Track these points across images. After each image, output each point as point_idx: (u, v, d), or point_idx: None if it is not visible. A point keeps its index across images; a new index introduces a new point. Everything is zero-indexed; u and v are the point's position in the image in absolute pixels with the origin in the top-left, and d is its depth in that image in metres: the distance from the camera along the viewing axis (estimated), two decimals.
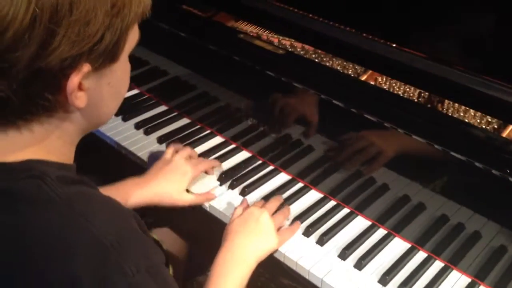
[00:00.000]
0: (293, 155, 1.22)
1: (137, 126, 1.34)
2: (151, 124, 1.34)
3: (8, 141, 0.68)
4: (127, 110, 1.37)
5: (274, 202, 1.07)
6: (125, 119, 1.36)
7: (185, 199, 1.10)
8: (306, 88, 1.13)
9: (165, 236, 1.19)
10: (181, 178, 1.10)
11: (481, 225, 1.00)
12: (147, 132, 1.32)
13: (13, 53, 0.60)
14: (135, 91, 1.47)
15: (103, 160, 1.38)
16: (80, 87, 0.66)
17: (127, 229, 0.69)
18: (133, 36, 0.71)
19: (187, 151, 1.17)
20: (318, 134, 1.18)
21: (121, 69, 0.71)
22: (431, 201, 1.05)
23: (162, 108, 1.41)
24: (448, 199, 1.02)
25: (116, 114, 1.36)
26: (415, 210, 1.07)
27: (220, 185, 1.18)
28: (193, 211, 1.13)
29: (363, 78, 1.12)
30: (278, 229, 1.04)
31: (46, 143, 0.70)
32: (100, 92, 0.70)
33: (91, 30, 0.63)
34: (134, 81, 1.48)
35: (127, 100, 1.40)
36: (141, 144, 1.29)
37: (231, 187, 1.17)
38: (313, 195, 1.17)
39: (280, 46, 1.22)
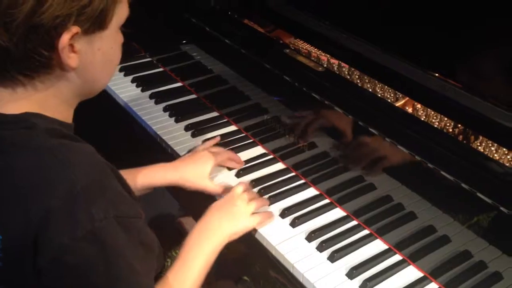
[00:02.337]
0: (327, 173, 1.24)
1: (187, 128, 1.42)
2: (200, 127, 1.42)
3: (7, 93, 0.80)
4: (181, 112, 1.46)
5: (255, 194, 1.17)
6: (177, 121, 1.44)
7: (205, 184, 1.19)
8: (342, 111, 1.15)
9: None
10: (203, 166, 1.20)
11: None
12: (194, 135, 1.40)
13: (14, 9, 0.72)
14: (193, 96, 1.56)
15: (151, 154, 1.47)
16: (72, 49, 0.77)
17: (101, 179, 0.78)
18: (122, 11, 0.82)
19: (211, 142, 1.30)
20: (355, 156, 1.19)
21: (112, 39, 0.82)
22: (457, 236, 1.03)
23: (214, 114, 1.49)
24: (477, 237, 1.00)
25: (170, 115, 1.46)
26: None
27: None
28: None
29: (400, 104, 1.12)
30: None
31: (42, 99, 0.81)
32: (91, 56, 0.80)
33: None
34: (195, 87, 1.58)
35: (182, 103, 1.51)
36: (186, 144, 1.37)
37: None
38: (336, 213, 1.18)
39: (326, 66, 1.25)
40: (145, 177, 1.16)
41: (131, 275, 0.79)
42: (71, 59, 0.78)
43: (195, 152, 1.26)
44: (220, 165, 1.27)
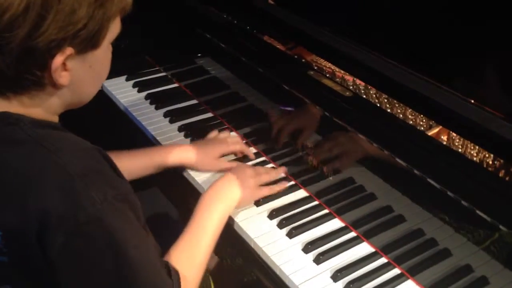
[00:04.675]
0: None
1: None
2: None
3: None
4: (196, 132, 1.39)
5: (270, 174, 1.21)
6: (192, 141, 1.37)
7: (215, 164, 1.25)
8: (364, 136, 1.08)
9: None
10: (206, 151, 1.25)
11: None
12: None
13: (9, 33, 0.72)
14: (209, 115, 1.49)
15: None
16: (64, 67, 0.78)
17: (93, 163, 0.78)
18: (115, 27, 0.82)
19: (225, 133, 1.33)
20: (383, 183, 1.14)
21: (102, 55, 0.83)
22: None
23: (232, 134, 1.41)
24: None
25: (185, 135, 1.38)
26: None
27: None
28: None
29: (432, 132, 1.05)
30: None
31: (30, 111, 0.81)
32: (82, 73, 0.81)
33: (76, 18, 0.74)
34: (210, 104, 1.51)
35: (198, 123, 1.44)
36: None
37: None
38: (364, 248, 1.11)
39: (351, 87, 1.18)
40: (160, 156, 1.21)
41: (139, 251, 0.80)
42: (63, 78, 0.79)
43: (206, 139, 1.31)
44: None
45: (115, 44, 1.64)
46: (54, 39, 0.74)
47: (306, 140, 1.26)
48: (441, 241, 1.07)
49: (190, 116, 1.47)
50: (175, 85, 1.61)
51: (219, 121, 1.46)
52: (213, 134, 1.33)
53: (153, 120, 1.45)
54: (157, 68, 1.68)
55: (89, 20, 0.76)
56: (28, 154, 0.77)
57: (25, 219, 0.74)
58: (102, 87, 1.59)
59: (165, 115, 1.47)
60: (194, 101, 1.54)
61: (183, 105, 1.52)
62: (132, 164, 1.18)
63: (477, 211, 0.92)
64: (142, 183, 1.22)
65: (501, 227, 0.90)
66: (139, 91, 1.56)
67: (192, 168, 1.24)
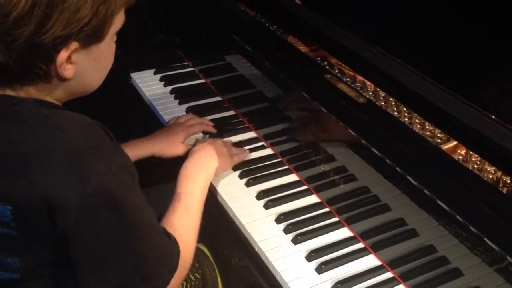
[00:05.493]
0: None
1: None
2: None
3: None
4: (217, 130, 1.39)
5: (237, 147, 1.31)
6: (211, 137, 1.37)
7: (178, 150, 1.30)
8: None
9: None
10: (171, 139, 1.31)
11: None
12: None
13: (16, 30, 0.74)
14: (231, 112, 1.48)
15: None
16: (69, 61, 0.80)
17: (96, 137, 0.81)
18: (119, 20, 0.84)
19: (184, 117, 1.39)
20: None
21: (107, 47, 0.86)
22: None
23: (250, 134, 1.40)
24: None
25: (204, 132, 1.38)
26: None
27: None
28: None
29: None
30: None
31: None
32: (87, 65, 0.84)
33: (81, 15, 0.77)
34: (233, 102, 1.50)
35: (218, 120, 1.43)
36: None
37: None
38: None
39: (370, 94, 1.14)
40: (132, 151, 1.22)
41: (144, 214, 0.85)
42: (68, 71, 0.81)
43: (167, 126, 1.38)
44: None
45: (146, 39, 1.66)
46: (59, 36, 0.76)
47: (324, 145, 1.23)
48: (453, 260, 1.02)
49: (211, 113, 1.47)
50: (202, 80, 1.62)
51: (240, 119, 1.45)
52: (172, 121, 1.40)
53: (174, 114, 1.45)
54: (187, 63, 1.68)
55: (93, 16, 0.78)
56: (33, 130, 0.79)
57: (33, 195, 0.76)
58: (130, 79, 1.61)
59: (187, 110, 1.47)
60: (218, 98, 1.54)
61: (206, 101, 1.52)
62: None
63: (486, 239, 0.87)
64: (151, 180, 1.23)
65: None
66: (165, 85, 1.57)
67: (162, 156, 1.31)
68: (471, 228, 0.90)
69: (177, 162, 1.18)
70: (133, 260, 0.84)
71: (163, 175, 1.25)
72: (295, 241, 1.09)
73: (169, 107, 1.49)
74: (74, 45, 0.79)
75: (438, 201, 0.95)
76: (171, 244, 0.91)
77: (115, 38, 0.88)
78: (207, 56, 1.67)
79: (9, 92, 0.83)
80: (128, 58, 1.64)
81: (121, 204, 0.81)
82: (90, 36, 0.80)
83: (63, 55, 0.78)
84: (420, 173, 0.99)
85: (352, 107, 1.09)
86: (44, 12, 0.74)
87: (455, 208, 0.93)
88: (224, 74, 1.60)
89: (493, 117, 0.95)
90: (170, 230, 0.95)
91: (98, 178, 0.77)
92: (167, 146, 1.30)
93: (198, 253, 1.29)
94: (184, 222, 1.02)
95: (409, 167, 1.00)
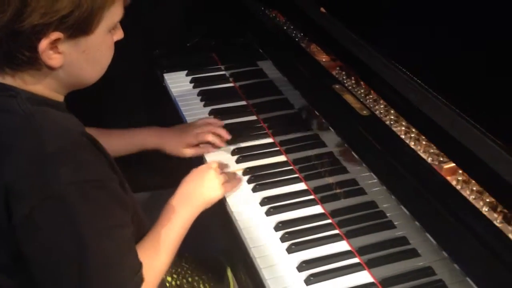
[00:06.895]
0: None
1: (233, 152, 1.36)
2: (246, 154, 1.35)
3: None
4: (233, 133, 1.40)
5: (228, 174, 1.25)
6: (228, 143, 1.38)
7: (179, 152, 1.33)
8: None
9: None
10: (181, 137, 1.34)
11: None
12: (238, 161, 1.33)
13: None
14: (253, 117, 1.49)
15: None
16: (56, 50, 0.82)
17: (72, 145, 0.82)
18: (112, 15, 0.85)
19: (201, 121, 1.39)
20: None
21: (99, 41, 0.86)
22: None
23: (267, 140, 1.41)
24: None
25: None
26: None
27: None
28: None
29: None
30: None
31: (31, 88, 0.87)
32: (76, 57, 0.85)
33: (59, 6, 0.78)
34: (257, 107, 1.51)
35: (237, 124, 1.45)
36: (227, 170, 1.31)
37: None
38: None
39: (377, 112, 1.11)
40: (140, 138, 1.32)
41: (105, 239, 0.82)
42: (54, 60, 0.83)
43: (185, 124, 1.41)
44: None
45: (183, 40, 1.69)
46: (37, 24, 0.78)
47: (338, 156, 1.21)
48: (450, 284, 0.98)
49: (233, 116, 1.48)
50: (230, 84, 1.63)
51: (260, 125, 1.46)
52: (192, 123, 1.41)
53: (197, 116, 1.47)
54: (219, 66, 1.71)
55: (75, 8, 0.80)
56: (15, 124, 0.83)
57: None
58: (163, 79, 1.66)
59: (211, 113, 1.49)
60: (243, 102, 1.55)
61: (230, 105, 1.53)
62: (117, 141, 1.29)
63: None
64: (162, 183, 1.27)
65: None
66: (194, 87, 1.60)
67: (162, 151, 1.33)
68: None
69: (181, 168, 1.19)
70: (78, 281, 0.81)
71: (165, 180, 1.26)
72: (289, 250, 1.09)
73: (193, 108, 1.52)
74: (55, 35, 0.80)
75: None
76: (130, 281, 0.86)
77: (116, 32, 0.90)
78: (240, 60, 1.68)
79: (8, 80, 0.86)
80: (165, 59, 1.70)
81: (76, 221, 0.79)
82: (75, 28, 0.81)
83: (43, 43, 0.80)
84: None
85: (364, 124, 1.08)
86: (21, 0, 0.77)
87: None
88: (253, 79, 1.62)
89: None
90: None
91: (56, 185, 0.78)
92: (174, 145, 1.32)
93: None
94: (152, 255, 0.98)
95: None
